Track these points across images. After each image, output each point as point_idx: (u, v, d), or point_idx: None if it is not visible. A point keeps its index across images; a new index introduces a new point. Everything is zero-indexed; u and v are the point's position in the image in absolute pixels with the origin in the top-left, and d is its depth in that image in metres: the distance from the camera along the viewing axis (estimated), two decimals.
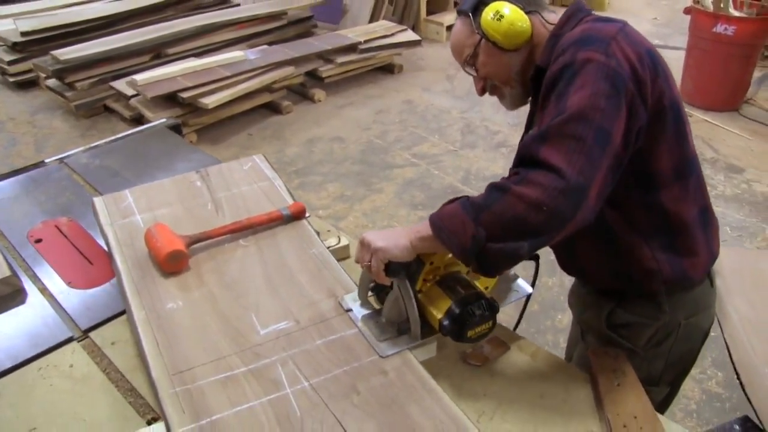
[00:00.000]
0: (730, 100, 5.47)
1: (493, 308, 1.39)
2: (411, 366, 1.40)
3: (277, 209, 1.83)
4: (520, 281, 1.67)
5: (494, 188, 1.27)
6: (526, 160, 1.27)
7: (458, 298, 1.37)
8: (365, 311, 1.53)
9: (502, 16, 1.44)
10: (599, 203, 1.26)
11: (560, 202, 1.20)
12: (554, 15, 1.52)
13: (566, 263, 1.71)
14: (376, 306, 1.55)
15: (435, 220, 1.31)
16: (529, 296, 1.66)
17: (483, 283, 1.52)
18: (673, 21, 7.87)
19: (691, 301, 1.59)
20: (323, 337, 1.46)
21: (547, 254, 1.58)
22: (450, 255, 1.41)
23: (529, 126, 1.67)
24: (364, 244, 1.42)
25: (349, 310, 1.54)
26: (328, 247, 1.76)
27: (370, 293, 1.56)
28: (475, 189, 4.31)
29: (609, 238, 1.50)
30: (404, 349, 1.44)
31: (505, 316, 1.71)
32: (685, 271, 1.53)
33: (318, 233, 1.81)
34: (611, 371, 1.49)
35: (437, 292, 1.42)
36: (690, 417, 2.73)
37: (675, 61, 6.06)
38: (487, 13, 1.45)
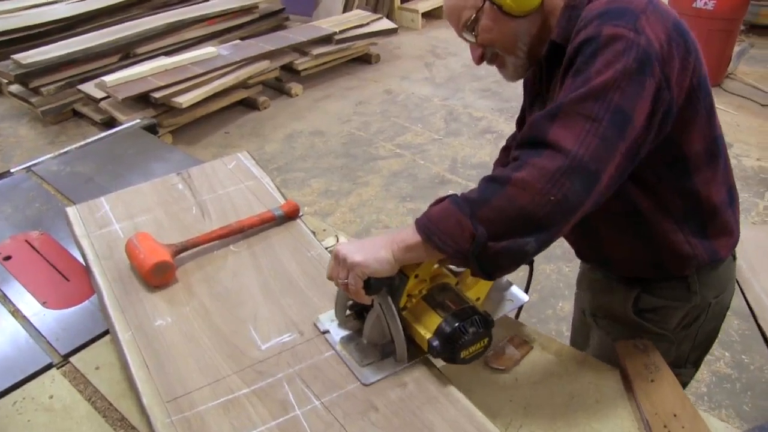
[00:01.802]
0: (712, 75, 5.39)
1: (487, 324, 1.23)
2: (431, 375, 1.27)
3: (269, 209, 1.69)
4: (514, 289, 1.53)
5: (491, 180, 1.13)
6: (531, 140, 1.14)
7: (449, 315, 1.21)
8: (344, 332, 1.36)
9: None
10: (611, 189, 1.15)
11: (568, 189, 1.08)
12: None
13: (587, 253, 1.61)
14: (357, 326, 1.38)
15: (424, 224, 1.16)
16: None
17: (474, 294, 1.38)
18: None
19: (719, 278, 1.53)
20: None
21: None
22: (436, 265, 1.28)
23: (531, 107, 1.55)
24: (338, 259, 1.23)
25: (326, 332, 1.37)
26: (326, 248, 1.63)
27: (348, 312, 1.37)
28: (463, 177, 4.23)
29: (641, 227, 1.39)
30: (390, 375, 1.27)
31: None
32: (717, 252, 1.46)
33: (314, 233, 1.68)
34: (643, 366, 1.41)
35: (424, 308, 1.25)
36: (701, 400, 2.67)
37: None
38: None
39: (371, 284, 1.19)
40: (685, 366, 1.63)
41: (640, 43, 1.13)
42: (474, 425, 1.17)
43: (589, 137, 1.10)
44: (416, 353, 1.29)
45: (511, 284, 1.52)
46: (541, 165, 1.09)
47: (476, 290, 1.39)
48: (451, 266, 1.35)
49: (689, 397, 2.53)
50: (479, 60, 1.45)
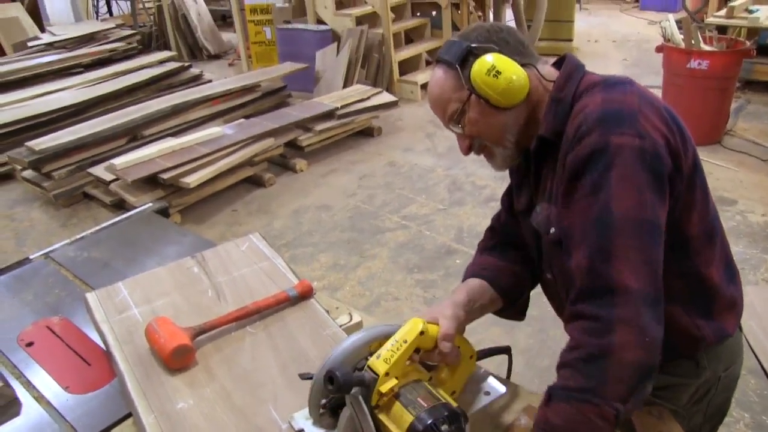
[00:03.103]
0: (711, 133, 5.51)
1: (460, 420, 1.21)
2: None
3: (283, 290, 1.73)
4: (491, 380, 1.51)
5: (589, 359, 1.15)
6: (596, 291, 1.18)
7: (420, 413, 1.18)
8: (319, 431, 1.35)
9: (498, 72, 1.29)
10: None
11: (649, 323, 1.15)
12: (548, 67, 1.42)
13: None
14: (332, 423, 1.35)
15: None
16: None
17: (450, 388, 1.38)
18: (642, 60, 8.01)
19: (728, 352, 1.52)
20: None
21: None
22: (408, 362, 1.27)
23: (519, 191, 1.56)
24: None
25: (301, 430, 1.35)
26: (340, 326, 1.66)
27: (322, 410, 1.34)
28: (470, 246, 4.26)
29: None
30: None
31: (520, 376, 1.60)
32: (724, 329, 1.46)
33: (327, 311, 1.71)
34: None
35: (397, 406, 1.22)
36: None
37: None
38: (481, 68, 1.30)
39: (339, 381, 1.18)
40: None
41: (647, 148, 1.18)
42: None
43: (640, 267, 1.16)
44: None
45: (488, 375, 1.52)
46: (623, 318, 1.14)
47: (452, 384, 1.40)
48: (425, 361, 1.36)
49: None
50: (467, 151, 1.46)
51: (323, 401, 1.32)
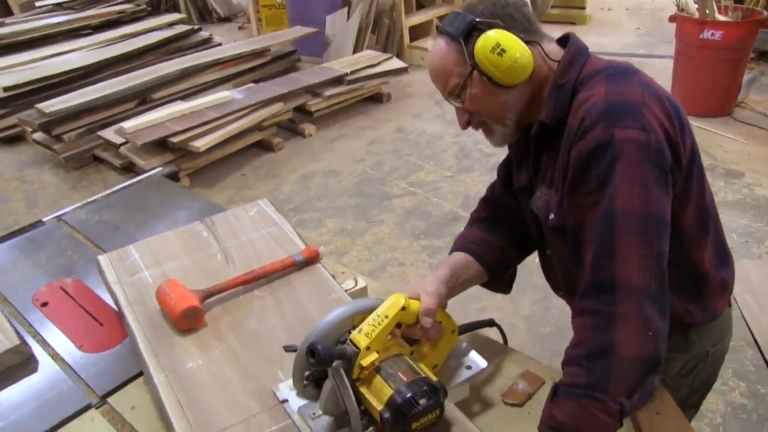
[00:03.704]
0: (722, 105, 5.48)
1: (438, 394, 1.24)
2: (449, 410, 1.33)
3: (290, 255, 1.77)
4: (473, 354, 1.50)
5: (593, 356, 1.18)
6: (600, 287, 1.20)
7: (399, 387, 1.21)
8: (302, 402, 1.36)
9: (503, 51, 1.27)
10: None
11: (653, 317, 1.16)
12: (552, 45, 1.40)
13: None
14: (315, 394, 1.36)
15: None
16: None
17: (431, 362, 1.40)
18: (656, 30, 7.94)
19: (717, 329, 1.55)
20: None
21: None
22: (389, 337, 1.30)
23: (519, 170, 1.57)
24: None
25: (285, 401, 1.37)
26: (346, 290, 1.70)
27: (306, 382, 1.36)
28: None
29: None
30: None
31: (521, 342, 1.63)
32: (714, 311, 1.49)
33: (333, 276, 1.76)
34: None
35: (377, 380, 1.25)
36: (716, 431, 2.67)
37: (663, 70, 6.11)
38: (485, 44, 1.27)
39: (320, 355, 1.20)
40: (684, 410, 1.62)
41: (651, 142, 1.19)
42: None
43: (643, 261, 1.17)
44: (370, 423, 1.28)
45: (470, 350, 1.51)
46: (625, 313, 1.15)
47: (433, 358, 1.42)
48: (406, 335, 1.38)
49: (704, 427, 2.58)
50: (465, 125, 1.45)
51: (306, 373, 1.35)
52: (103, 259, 1.83)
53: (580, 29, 7.87)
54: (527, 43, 1.30)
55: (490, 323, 1.62)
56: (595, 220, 1.21)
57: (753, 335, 1.82)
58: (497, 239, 1.61)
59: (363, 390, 1.26)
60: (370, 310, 1.30)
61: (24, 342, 1.63)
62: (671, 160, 1.23)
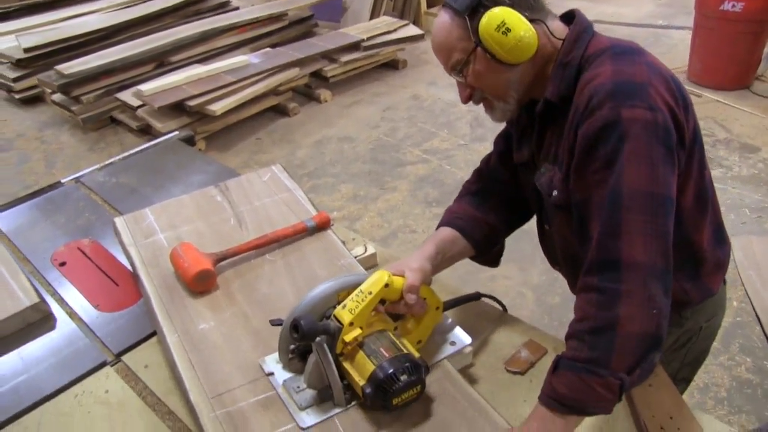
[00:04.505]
0: (740, 78, 5.41)
1: (420, 371, 1.26)
2: (451, 377, 1.38)
3: (302, 221, 1.80)
4: (458, 330, 1.50)
5: (595, 331, 1.18)
6: (605, 264, 1.20)
7: (382, 363, 1.24)
8: (288, 375, 1.38)
9: (508, 30, 1.25)
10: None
11: (657, 295, 1.17)
12: (557, 22, 1.38)
13: None
14: (300, 367, 1.38)
15: (564, 405, 1.19)
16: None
17: (416, 337, 1.42)
18: (676, 0, 7.81)
19: (711, 305, 1.57)
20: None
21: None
22: (373, 312, 1.32)
23: (519, 145, 1.56)
24: None
25: (271, 373, 1.39)
26: (355, 257, 1.74)
27: (291, 355, 1.38)
28: None
29: None
30: (326, 419, 1.29)
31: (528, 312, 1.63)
32: (709, 289, 1.51)
33: (343, 242, 1.79)
34: None
35: (360, 355, 1.27)
36: (721, 404, 2.71)
37: (681, 42, 6.04)
38: (490, 22, 1.25)
39: (303, 329, 1.22)
40: (677, 382, 1.63)
41: (658, 121, 1.19)
42: (490, 423, 1.26)
43: (649, 240, 1.17)
44: (353, 397, 1.32)
45: (455, 326, 1.52)
46: (629, 290, 1.16)
47: (417, 334, 1.43)
48: (391, 311, 1.40)
49: (708, 401, 2.60)
50: (466, 100, 1.44)
51: (292, 347, 1.36)
52: (119, 221, 1.88)
53: None
54: (532, 21, 1.29)
55: (476, 297, 1.64)
56: (601, 198, 1.22)
57: (755, 311, 1.83)
58: (486, 214, 1.62)
59: (346, 365, 1.29)
60: (356, 286, 1.32)
61: (43, 300, 1.69)
62: (676, 138, 1.23)
